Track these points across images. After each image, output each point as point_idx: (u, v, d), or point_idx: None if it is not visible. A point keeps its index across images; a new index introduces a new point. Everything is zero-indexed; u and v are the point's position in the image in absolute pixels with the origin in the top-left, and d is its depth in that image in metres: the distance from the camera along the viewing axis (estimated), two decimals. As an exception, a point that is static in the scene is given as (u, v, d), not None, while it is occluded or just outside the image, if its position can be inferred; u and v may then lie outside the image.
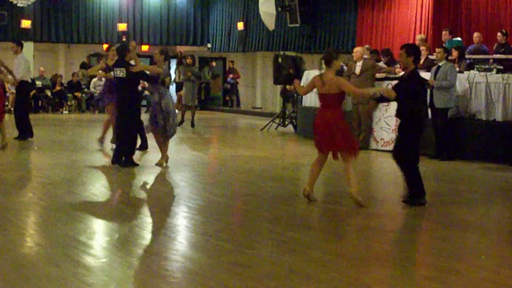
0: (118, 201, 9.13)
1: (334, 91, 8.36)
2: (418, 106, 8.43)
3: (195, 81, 19.55)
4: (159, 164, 11.46)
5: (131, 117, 11.33)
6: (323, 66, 8.54)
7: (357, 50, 14.97)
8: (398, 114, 8.66)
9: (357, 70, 14.57)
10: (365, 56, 14.97)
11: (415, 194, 8.55)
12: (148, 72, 11.44)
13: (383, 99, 8.84)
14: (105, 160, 12.23)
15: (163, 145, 11.51)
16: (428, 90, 13.24)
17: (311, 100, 17.03)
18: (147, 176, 10.74)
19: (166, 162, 11.54)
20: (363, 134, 14.57)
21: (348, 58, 16.34)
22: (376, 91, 9.34)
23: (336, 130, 8.32)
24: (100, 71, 13.31)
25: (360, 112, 14.60)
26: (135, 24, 26.79)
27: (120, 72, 11.18)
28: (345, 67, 14.95)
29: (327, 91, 8.39)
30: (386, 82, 14.47)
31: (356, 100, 14.63)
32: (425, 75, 13.10)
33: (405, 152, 8.51)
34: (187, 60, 19.85)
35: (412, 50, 8.57)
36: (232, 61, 28.61)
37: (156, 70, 11.31)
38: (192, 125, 19.35)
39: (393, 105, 14.09)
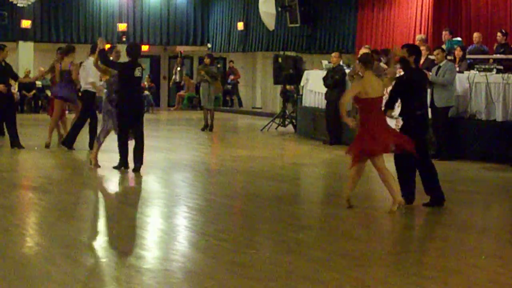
0: (118, 201, 9.13)
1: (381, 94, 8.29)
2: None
3: (210, 82, 18.38)
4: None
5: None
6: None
7: (363, 52, 14.95)
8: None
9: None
10: None
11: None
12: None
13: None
14: (105, 160, 12.22)
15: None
16: (428, 90, 13.24)
17: (310, 100, 17.03)
18: (147, 176, 10.73)
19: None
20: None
21: (348, 58, 16.33)
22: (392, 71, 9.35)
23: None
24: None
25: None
26: (135, 24, 26.77)
27: (138, 72, 10.84)
28: (345, 67, 14.93)
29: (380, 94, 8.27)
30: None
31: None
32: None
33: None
34: (205, 60, 18.79)
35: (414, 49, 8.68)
36: (232, 61, 28.55)
37: None
38: (211, 128, 18.43)
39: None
